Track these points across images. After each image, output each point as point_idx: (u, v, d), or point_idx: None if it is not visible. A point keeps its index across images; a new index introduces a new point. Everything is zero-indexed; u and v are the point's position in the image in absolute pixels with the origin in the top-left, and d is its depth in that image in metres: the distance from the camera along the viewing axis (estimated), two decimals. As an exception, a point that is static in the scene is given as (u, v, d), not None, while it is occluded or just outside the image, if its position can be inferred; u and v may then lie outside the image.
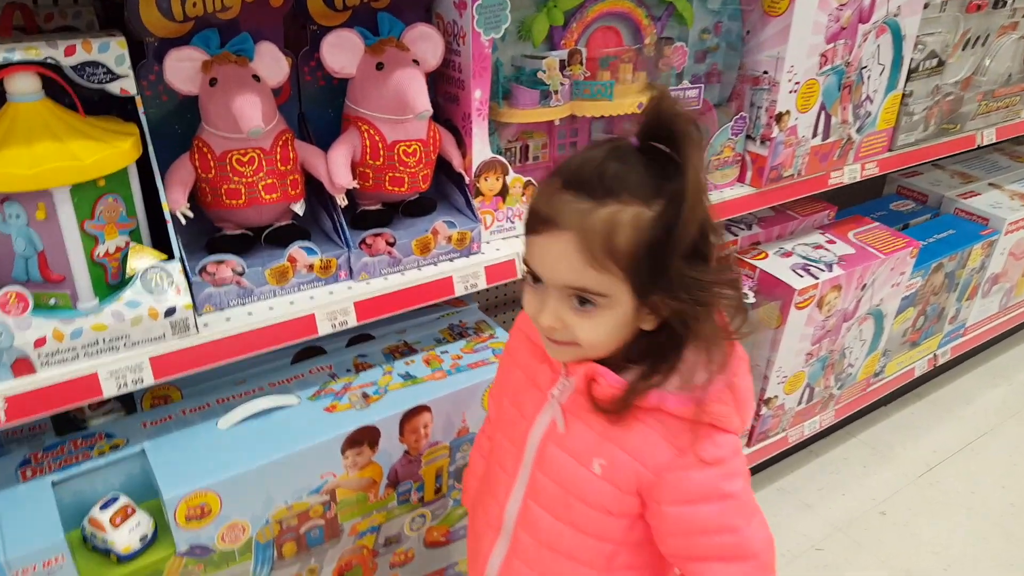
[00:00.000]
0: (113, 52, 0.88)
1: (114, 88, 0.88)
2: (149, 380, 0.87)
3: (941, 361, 2.15)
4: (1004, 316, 2.30)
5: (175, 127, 1.00)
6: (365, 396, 1.04)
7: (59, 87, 0.83)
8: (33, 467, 0.91)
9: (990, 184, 2.24)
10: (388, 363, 1.14)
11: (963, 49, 1.73)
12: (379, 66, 0.99)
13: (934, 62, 1.64)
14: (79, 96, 0.86)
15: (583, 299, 0.69)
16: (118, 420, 1.00)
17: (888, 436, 2.09)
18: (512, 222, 1.19)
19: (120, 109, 0.94)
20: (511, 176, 1.16)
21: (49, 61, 0.82)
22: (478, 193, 1.14)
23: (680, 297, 0.67)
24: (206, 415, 0.99)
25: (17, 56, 0.82)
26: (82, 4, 1.15)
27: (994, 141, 1.91)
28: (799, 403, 1.71)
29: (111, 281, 0.87)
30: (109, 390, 0.85)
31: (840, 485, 1.90)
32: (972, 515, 1.83)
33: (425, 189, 1.09)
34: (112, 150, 0.82)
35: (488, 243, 1.16)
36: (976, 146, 1.87)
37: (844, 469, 1.96)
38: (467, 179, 1.12)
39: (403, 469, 1.08)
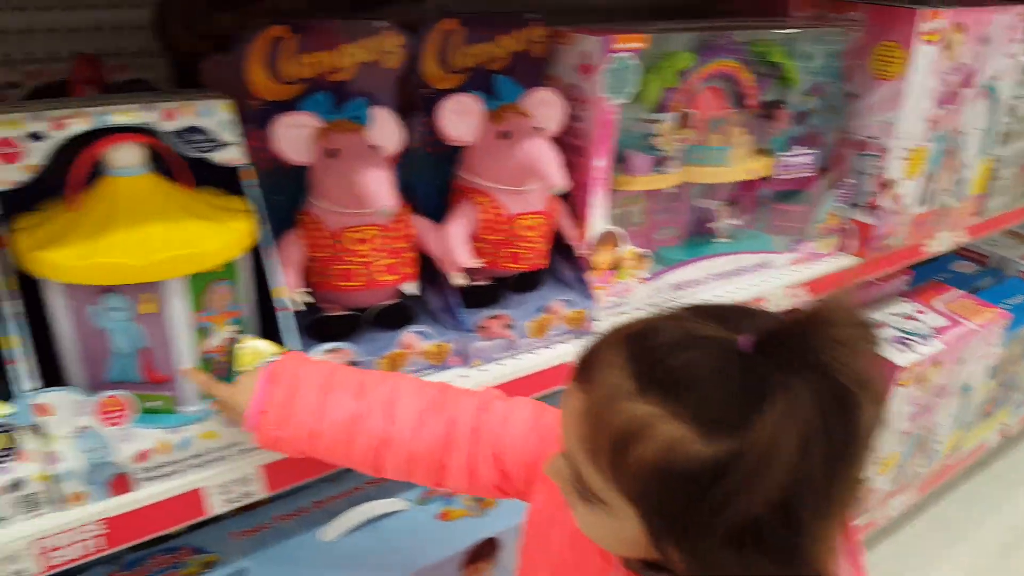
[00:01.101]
0: (217, 116, 0.78)
1: (219, 157, 0.79)
2: (260, 493, 0.75)
3: (1012, 432, 2.06)
4: (1068, 382, 2.22)
5: (276, 198, 0.89)
6: (479, 499, 0.92)
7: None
8: (114, 592, 0.78)
9: (1048, 245, 2.18)
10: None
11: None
12: (504, 134, 0.90)
13: (1022, 127, 1.59)
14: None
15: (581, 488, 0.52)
16: (202, 529, 0.87)
17: (960, 513, 1.98)
18: (623, 298, 1.09)
19: (217, 179, 0.84)
20: (624, 248, 1.06)
21: (146, 126, 0.73)
22: (589, 267, 1.04)
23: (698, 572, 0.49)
24: (304, 523, 0.87)
25: (114, 120, 0.73)
26: (155, 55, 1.07)
27: (1067, 205, 1.86)
28: (891, 485, 1.60)
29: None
30: (215, 507, 0.73)
31: (920, 570, 1.78)
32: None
33: (546, 265, 0.99)
34: (232, 234, 0.71)
35: (598, 321, 1.06)
36: (1052, 210, 1.81)
37: (923, 552, 1.84)
38: (581, 252, 1.03)
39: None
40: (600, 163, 0.99)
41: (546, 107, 0.95)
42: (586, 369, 0.51)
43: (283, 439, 0.69)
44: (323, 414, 0.69)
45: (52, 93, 0.95)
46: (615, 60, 0.94)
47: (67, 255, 0.65)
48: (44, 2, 1.00)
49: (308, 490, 0.93)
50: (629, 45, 0.94)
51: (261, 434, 0.69)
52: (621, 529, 0.51)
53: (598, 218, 1.02)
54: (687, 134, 1.11)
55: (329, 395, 0.69)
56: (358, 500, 0.90)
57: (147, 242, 0.67)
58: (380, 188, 0.78)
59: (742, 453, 0.44)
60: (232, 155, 0.79)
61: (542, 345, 0.99)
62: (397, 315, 0.92)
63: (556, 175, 0.87)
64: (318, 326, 0.89)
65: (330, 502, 0.90)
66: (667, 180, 1.09)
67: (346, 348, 0.84)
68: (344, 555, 0.83)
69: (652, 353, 0.48)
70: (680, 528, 0.47)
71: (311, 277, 0.87)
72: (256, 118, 0.86)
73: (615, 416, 0.47)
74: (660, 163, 1.08)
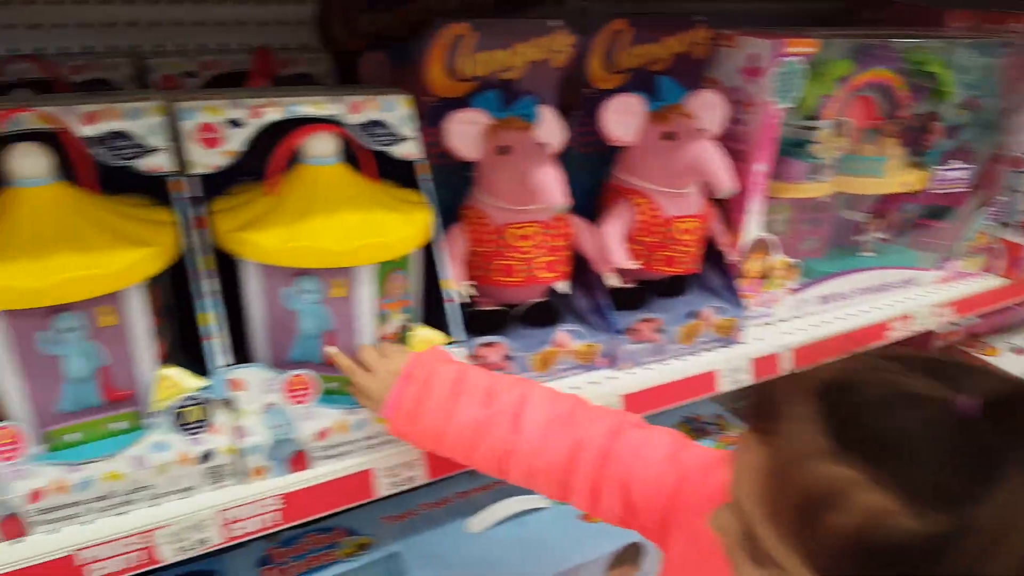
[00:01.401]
0: (398, 111, 0.80)
1: (398, 151, 0.80)
2: (422, 479, 0.76)
3: None
4: None
5: (441, 194, 0.91)
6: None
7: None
8: (276, 567, 0.80)
9: None
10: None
11: None
12: (667, 135, 0.89)
13: None
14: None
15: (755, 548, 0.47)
16: (352, 511, 0.89)
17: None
18: (769, 308, 1.06)
19: (388, 172, 0.86)
20: (776, 256, 1.04)
21: (333, 118, 0.75)
22: (740, 274, 1.02)
23: None
24: (450, 512, 0.88)
25: (304, 111, 0.75)
26: (317, 50, 1.10)
27: None
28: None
29: (385, 364, 0.78)
30: (382, 490, 0.74)
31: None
32: None
33: (697, 270, 0.98)
34: (414, 225, 0.73)
35: (744, 331, 1.04)
36: None
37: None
38: (732, 259, 1.00)
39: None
40: (761, 168, 0.96)
41: (710, 109, 0.93)
42: (768, 419, 0.46)
43: (411, 434, 0.71)
44: (450, 417, 0.69)
45: (226, 83, 0.99)
46: (785, 64, 0.92)
47: (269, 237, 0.68)
48: (216, -4, 1.05)
49: (452, 480, 0.93)
50: (800, 49, 0.92)
51: (392, 425, 0.71)
52: None
53: (753, 224, 0.99)
54: (843, 142, 1.07)
55: (459, 399, 0.69)
56: (501, 495, 0.90)
57: (342, 229, 0.68)
58: (553, 185, 0.79)
59: (962, 534, 0.39)
60: (410, 149, 0.81)
61: (689, 352, 0.97)
62: (545, 313, 0.92)
63: (726, 178, 0.85)
64: (468, 319, 0.89)
65: (473, 493, 0.91)
66: (821, 188, 1.06)
67: (501, 343, 0.84)
68: (490, 549, 0.83)
69: (852, 409, 0.43)
70: None
71: (470, 271, 0.88)
72: (426, 114, 0.87)
73: (805, 478, 0.42)
74: (815, 171, 1.05)
